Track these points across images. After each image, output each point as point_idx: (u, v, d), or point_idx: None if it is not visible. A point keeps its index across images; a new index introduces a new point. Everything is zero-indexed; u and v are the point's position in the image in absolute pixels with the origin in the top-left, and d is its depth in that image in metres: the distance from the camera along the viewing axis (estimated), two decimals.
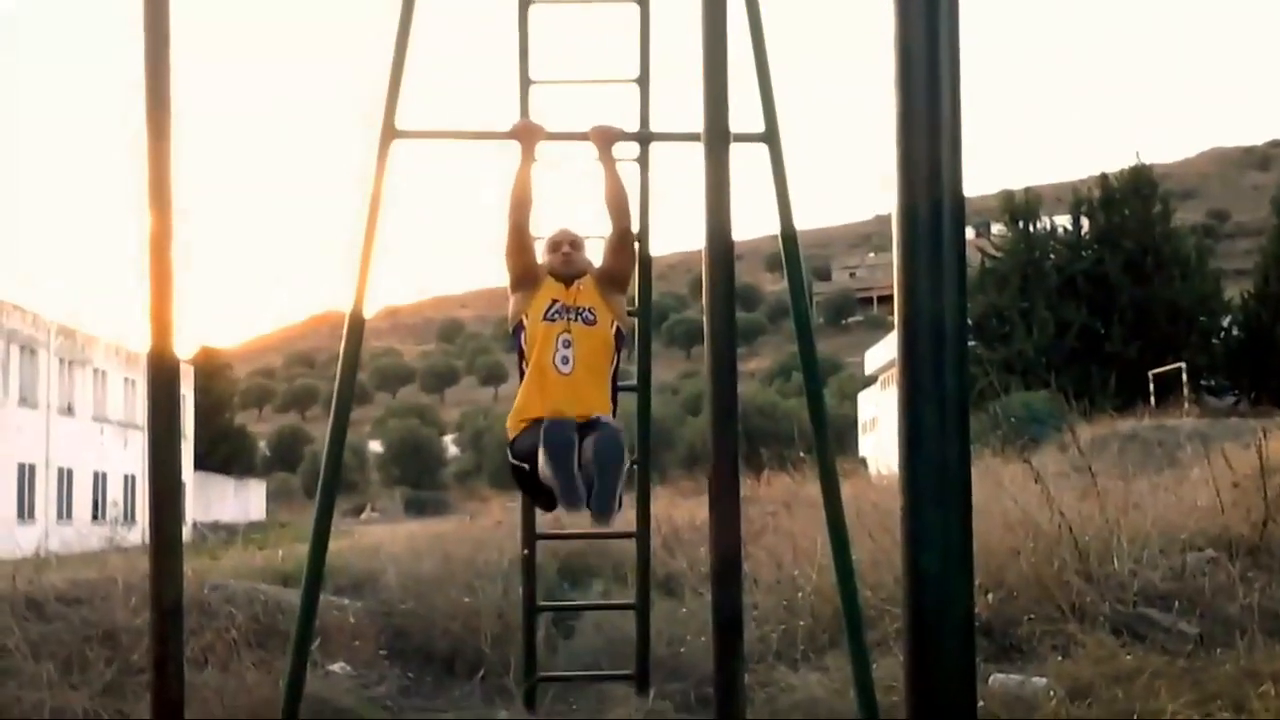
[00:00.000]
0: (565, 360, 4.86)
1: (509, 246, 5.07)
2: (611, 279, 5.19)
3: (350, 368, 5.48)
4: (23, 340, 38.59)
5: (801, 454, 15.20)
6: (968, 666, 2.00)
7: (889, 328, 60.89)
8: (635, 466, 6.99)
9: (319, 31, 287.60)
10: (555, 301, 5.01)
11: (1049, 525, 8.69)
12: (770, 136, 5.71)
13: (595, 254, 5.37)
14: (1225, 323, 43.27)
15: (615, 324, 5.07)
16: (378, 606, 10.08)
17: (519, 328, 5.07)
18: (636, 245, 6.80)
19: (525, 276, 5.10)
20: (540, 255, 5.23)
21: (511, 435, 4.91)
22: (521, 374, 5.08)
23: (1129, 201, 42.94)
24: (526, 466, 4.68)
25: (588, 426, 4.60)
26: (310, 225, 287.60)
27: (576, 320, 4.96)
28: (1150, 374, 33.32)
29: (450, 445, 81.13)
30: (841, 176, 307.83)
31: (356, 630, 9.27)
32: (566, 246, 5.17)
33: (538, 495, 4.99)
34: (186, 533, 27.23)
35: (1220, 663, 7.01)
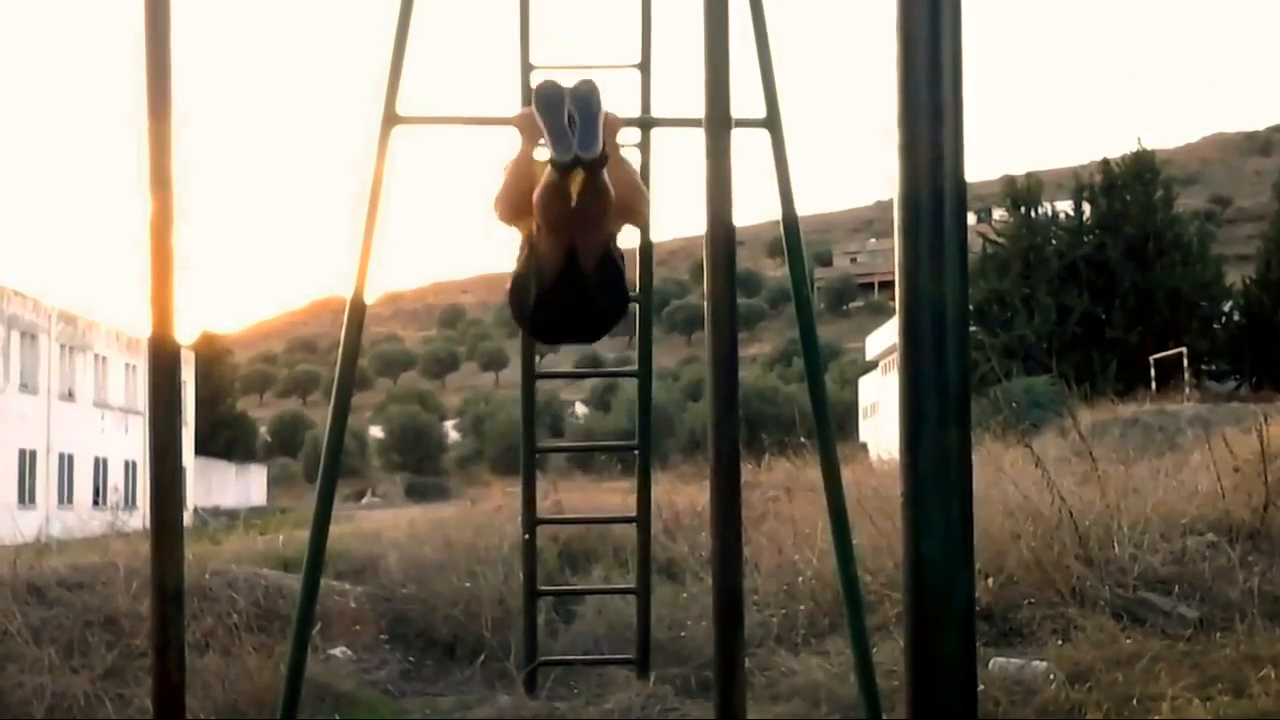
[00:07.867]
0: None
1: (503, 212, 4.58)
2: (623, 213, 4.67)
3: (351, 353, 5.47)
4: (23, 326, 38.61)
5: (802, 439, 15.19)
6: (968, 651, 2.00)
7: (890, 313, 60.89)
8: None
9: (322, 15, 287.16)
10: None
11: (1049, 510, 8.70)
12: (772, 122, 5.68)
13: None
14: (1226, 308, 43.28)
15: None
16: (379, 591, 10.10)
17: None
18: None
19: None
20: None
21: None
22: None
23: (1130, 187, 42.91)
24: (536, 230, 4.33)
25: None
26: (312, 211, 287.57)
27: None
28: (1151, 359, 33.33)
29: (451, 431, 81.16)
30: (843, 162, 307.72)
31: (357, 615, 9.30)
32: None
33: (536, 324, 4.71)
34: (188, 518, 27.33)
35: (1220, 646, 7.04)
